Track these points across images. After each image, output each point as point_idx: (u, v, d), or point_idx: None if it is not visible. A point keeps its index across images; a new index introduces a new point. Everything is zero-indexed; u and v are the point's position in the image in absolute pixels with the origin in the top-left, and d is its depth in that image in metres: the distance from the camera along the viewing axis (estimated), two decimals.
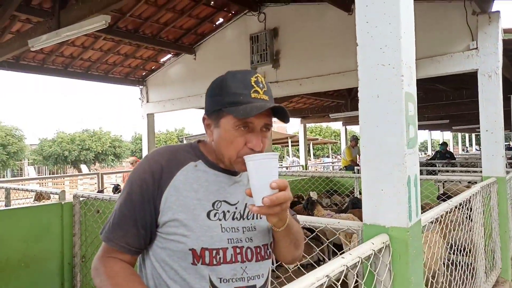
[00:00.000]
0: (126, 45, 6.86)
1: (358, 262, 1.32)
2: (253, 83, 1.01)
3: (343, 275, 1.23)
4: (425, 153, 30.82)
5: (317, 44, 5.68)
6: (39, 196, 5.64)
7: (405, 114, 1.57)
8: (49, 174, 21.79)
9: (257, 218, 1.10)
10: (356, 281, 1.53)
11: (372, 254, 1.43)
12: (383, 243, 1.53)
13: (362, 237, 1.74)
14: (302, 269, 1.94)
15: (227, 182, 1.07)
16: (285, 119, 1.03)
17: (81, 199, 3.58)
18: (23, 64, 6.48)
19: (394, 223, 1.57)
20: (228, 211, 1.05)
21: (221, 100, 1.02)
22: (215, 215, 1.02)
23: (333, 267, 1.22)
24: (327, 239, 4.48)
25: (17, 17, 5.29)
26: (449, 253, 3.24)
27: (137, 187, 1.01)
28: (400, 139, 1.56)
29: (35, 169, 22.64)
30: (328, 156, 27.90)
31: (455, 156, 12.99)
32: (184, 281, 0.99)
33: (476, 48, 4.21)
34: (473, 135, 33.64)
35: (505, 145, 9.82)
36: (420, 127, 19.61)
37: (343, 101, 10.37)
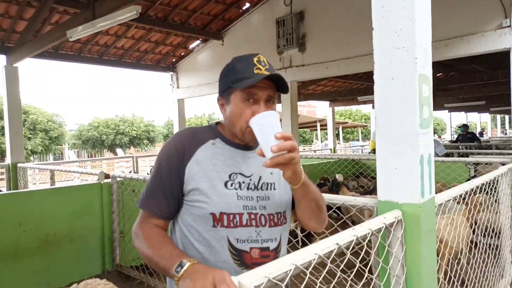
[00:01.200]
0: (156, 32, 7.08)
1: (369, 233, 1.43)
2: (255, 62, 1.14)
3: (352, 244, 1.34)
4: (438, 136, 29.64)
5: (343, 27, 5.64)
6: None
7: (418, 95, 1.63)
8: (88, 157, 22.91)
9: (270, 189, 1.23)
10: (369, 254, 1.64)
11: (383, 227, 1.52)
12: (395, 217, 1.62)
13: (377, 214, 1.84)
14: None
15: (242, 157, 1.22)
16: (284, 90, 1.16)
17: (118, 179, 3.84)
18: (62, 53, 6.84)
19: (406, 200, 1.66)
20: (244, 182, 1.19)
21: (230, 79, 1.17)
22: (231, 185, 1.16)
23: (344, 236, 1.34)
24: (352, 220, 4.57)
25: (55, 8, 5.60)
26: (475, 235, 3.25)
27: (164, 163, 1.18)
28: (413, 120, 1.63)
29: (75, 152, 23.86)
30: (358, 140, 27.45)
31: (489, 138, 12.50)
32: (206, 241, 1.15)
33: (510, 26, 4.07)
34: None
35: None
36: (455, 109, 18.91)
37: (372, 83, 10.17)
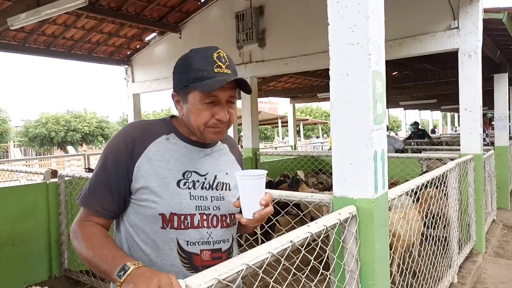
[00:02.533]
0: (109, 23, 6.74)
1: (323, 230, 1.41)
2: (215, 59, 1.08)
3: (307, 241, 1.31)
4: (395, 133, 31.14)
5: (303, 23, 5.67)
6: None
7: (372, 91, 1.64)
8: (36, 155, 21.60)
9: (225, 190, 1.18)
10: (325, 249, 1.63)
11: (337, 223, 1.52)
12: (350, 213, 1.62)
13: (333, 210, 1.83)
14: None
15: (198, 154, 1.16)
16: (247, 91, 1.11)
17: (66, 178, 3.62)
18: (4, 43, 6.33)
19: (360, 195, 1.66)
20: (198, 181, 1.13)
21: (187, 76, 1.08)
22: (184, 184, 1.10)
23: (298, 233, 1.31)
24: (311, 216, 4.61)
25: None
26: (426, 227, 3.38)
27: (111, 157, 1.08)
28: (367, 116, 1.63)
29: (21, 151, 22.39)
30: (318, 137, 28.07)
31: (440, 135, 13.21)
32: (154, 243, 1.08)
33: (457, 27, 4.27)
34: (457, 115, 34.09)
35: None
36: (410, 107, 19.79)
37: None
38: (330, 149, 10.15)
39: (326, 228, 1.43)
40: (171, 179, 1.08)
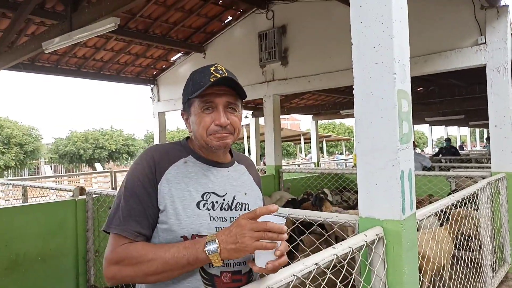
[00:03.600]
0: (136, 45, 7.00)
1: (349, 252, 1.38)
2: (212, 71, 1.13)
3: (332, 263, 1.29)
4: (421, 150, 30.11)
5: (325, 41, 5.70)
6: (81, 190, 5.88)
7: (398, 110, 1.62)
8: (65, 172, 22.28)
9: (244, 210, 1.18)
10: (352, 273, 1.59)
11: (364, 245, 1.48)
12: (377, 235, 1.58)
13: (358, 231, 1.80)
14: None
15: (216, 175, 1.17)
16: (241, 95, 1.14)
17: (93, 195, 3.70)
18: (38, 65, 6.68)
19: (388, 216, 1.62)
20: (217, 202, 1.13)
21: (188, 91, 1.15)
22: (204, 205, 1.11)
23: (323, 256, 1.29)
24: (336, 236, 4.52)
25: (31, 20, 5.47)
26: (458, 249, 3.25)
27: (138, 181, 1.08)
28: (393, 135, 1.61)
29: (51, 167, 23.19)
30: (341, 153, 27.72)
31: (469, 152, 12.79)
32: None
33: (485, 42, 4.19)
34: (485, 130, 32.96)
35: None
36: (436, 123, 19.33)
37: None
38: (354, 166, 9.99)
39: (352, 250, 1.40)
40: (190, 201, 1.09)
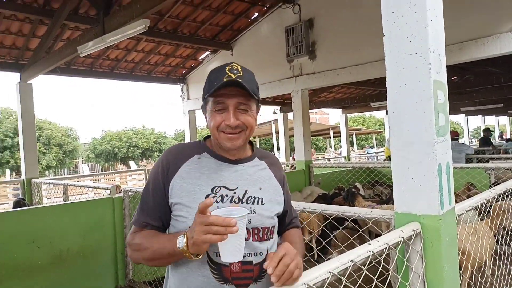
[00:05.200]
0: (166, 45, 7.14)
1: (385, 248, 1.36)
2: (227, 70, 1.14)
3: (368, 260, 1.27)
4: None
5: (353, 33, 5.58)
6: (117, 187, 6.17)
7: (433, 102, 1.56)
8: (102, 170, 23.17)
9: (257, 204, 1.21)
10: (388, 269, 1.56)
11: (400, 241, 1.45)
12: (414, 230, 1.54)
13: (394, 226, 1.76)
14: None
15: (229, 170, 1.22)
16: (251, 95, 1.14)
17: (129, 193, 3.83)
18: (74, 69, 6.95)
19: (425, 211, 1.58)
20: (227, 195, 1.18)
21: (205, 91, 1.20)
22: (213, 198, 1.15)
23: (359, 252, 1.27)
24: (369, 231, 4.44)
25: (66, 25, 5.70)
26: (500, 244, 3.12)
27: (152, 179, 1.23)
28: (429, 128, 1.56)
29: (88, 166, 24.18)
30: (372, 146, 27.13)
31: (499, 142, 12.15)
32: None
33: None
34: None
35: None
36: (472, 113, 18.51)
37: (385, 89, 10.05)
38: (386, 159, 9.75)
39: (388, 246, 1.38)
40: (200, 194, 1.16)
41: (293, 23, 6.22)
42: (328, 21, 5.90)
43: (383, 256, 1.39)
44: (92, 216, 3.73)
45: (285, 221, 1.36)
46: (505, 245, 3.01)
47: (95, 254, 3.69)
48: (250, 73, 1.21)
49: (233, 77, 1.12)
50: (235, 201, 1.18)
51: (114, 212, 3.87)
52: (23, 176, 6.18)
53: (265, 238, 1.21)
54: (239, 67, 1.17)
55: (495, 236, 3.13)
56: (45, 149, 18.91)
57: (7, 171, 18.25)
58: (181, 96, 8.46)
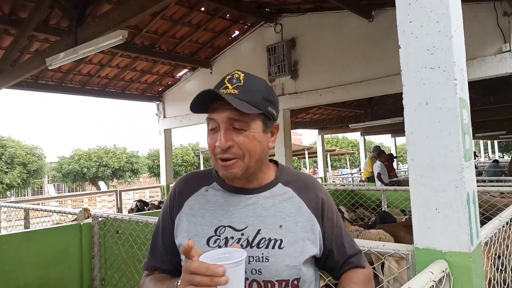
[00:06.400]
0: (142, 61, 6.86)
1: None
2: (226, 81, 0.95)
3: None
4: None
5: (337, 53, 5.53)
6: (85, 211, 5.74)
7: (460, 122, 1.39)
8: (69, 191, 22.02)
9: (272, 248, 0.93)
10: None
11: (433, 286, 1.23)
12: (443, 271, 1.33)
13: (413, 262, 1.54)
14: None
15: (238, 204, 0.97)
16: (242, 109, 0.89)
17: (100, 219, 3.46)
18: (42, 83, 6.52)
19: (453, 248, 1.37)
20: (232, 237, 0.94)
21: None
22: (215, 242, 0.94)
23: None
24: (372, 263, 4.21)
25: (35, 36, 5.33)
26: (499, 272, 2.96)
27: (162, 215, 1.06)
28: (456, 151, 1.37)
29: (54, 186, 22.93)
30: (345, 167, 27.40)
31: (478, 164, 12.50)
32: None
33: (509, 50, 3.99)
34: (496, 142, 32.60)
35: None
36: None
37: (363, 111, 10.14)
38: (364, 180, 9.71)
39: None
40: (201, 237, 0.95)
41: (275, 42, 6.12)
42: (311, 41, 5.83)
43: None
44: (56, 245, 3.33)
45: (336, 261, 1.05)
46: (505, 272, 2.86)
47: None
48: (257, 81, 0.98)
49: (230, 87, 0.92)
50: (242, 245, 0.92)
51: (81, 240, 3.47)
52: None
53: None
54: (241, 75, 0.95)
55: (494, 264, 2.98)
56: (7, 168, 17.80)
57: None
58: (156, 114, 8.13)
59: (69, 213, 4.13)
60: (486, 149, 33.87)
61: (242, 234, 0.93)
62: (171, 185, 7.88)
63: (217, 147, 0.91)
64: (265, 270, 0.91)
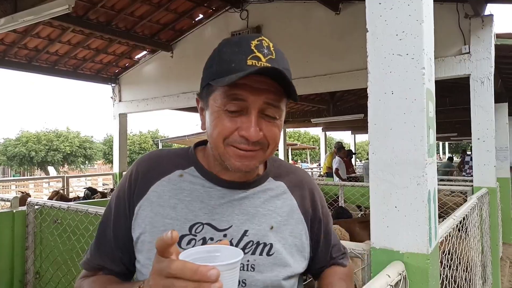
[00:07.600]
0: (97, 38, 6.39)
1: None
2: (253, 47, 0.71)
3: None
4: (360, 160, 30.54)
5: (302, 45, 5.42)
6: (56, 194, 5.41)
7: (426, 115, 1.29)
8: (15, 175, 20.62)
9: (261, 254, 0.77)
10: None
11: None
12: (400, 274, 1.23)
13: (369, 263, 1.45)
14: None
15: (221, 198, 0.78)
16: (292, 95, 0.74)
17: (36, 207, 3.13)
18: None
19: (411, 248, 1.28)
20: (212, 238, 0.75)
21: (211, 72, 0.75)
22: (189, 243, 0.74)
23: None
24: None
25: None
26: (442, 267, 3.00)
27: (115, 199, 0.83)
28: (420, 145, 1.28)
29: None
30: (306, 162, 27.82)
31: None
32: None
33: (469, 52, 4.05)
34: (447, 143, 34.44)
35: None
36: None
37: (325, 106, 10.21)
38: (320, 175, 9.80)
39: None
40: None
41: (240, 28, 5.91)
42: (277, 30, 5.69)
43: None
44: None
45: (321, 260, 0.93)
46: (448, 268, 2.90)
47: None
48: (285, 57, 0.78)
49: (263, 59, 0.71)
50: None
51: (13, 230, 3.14)
52: None
53: None
54: (270, 44, 0.74)
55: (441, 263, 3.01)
56: None
57: None
58: (111, 97, 7.68)
59: (1, 199, 3.74)
60: (437, 149, 35.74)
61: (225, 235, 0.76)
62: (124, 172, 7.51)
63: (242, 135, 0.71)
64: (251, 280, 0.75)
